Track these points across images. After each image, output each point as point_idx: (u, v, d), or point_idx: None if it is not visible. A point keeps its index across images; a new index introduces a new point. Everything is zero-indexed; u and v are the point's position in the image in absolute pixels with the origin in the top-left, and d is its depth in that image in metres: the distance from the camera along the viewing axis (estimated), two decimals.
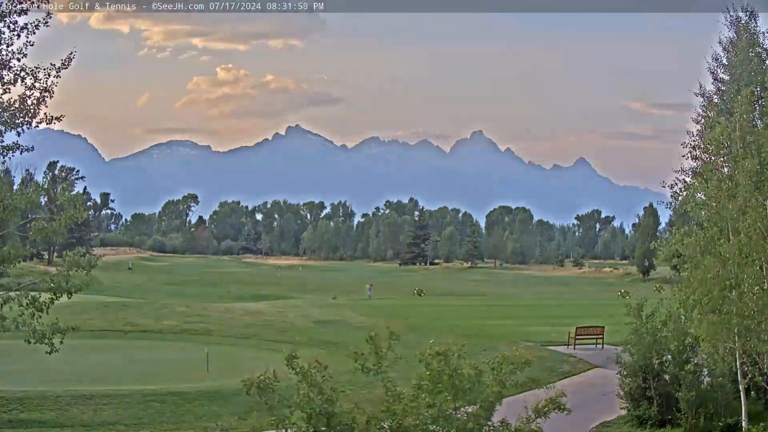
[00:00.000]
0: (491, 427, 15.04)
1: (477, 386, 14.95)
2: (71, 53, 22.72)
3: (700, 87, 26.32)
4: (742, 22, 25.76)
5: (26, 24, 21.86)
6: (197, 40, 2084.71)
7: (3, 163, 24.08)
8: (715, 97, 26.07)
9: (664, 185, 21.83)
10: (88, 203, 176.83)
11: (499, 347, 16.22)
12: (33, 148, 23.37)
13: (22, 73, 21.96)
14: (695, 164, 22.12)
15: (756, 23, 25.78)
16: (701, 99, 26.11)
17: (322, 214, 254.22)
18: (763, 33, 25.69)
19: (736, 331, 19.12)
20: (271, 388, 14.67)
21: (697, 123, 25.24)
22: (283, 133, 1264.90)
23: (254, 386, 14.67)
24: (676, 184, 21.64)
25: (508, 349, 15.65)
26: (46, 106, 22.44)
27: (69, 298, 23.54)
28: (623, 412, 26.00)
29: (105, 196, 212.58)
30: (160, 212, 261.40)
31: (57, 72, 22.27)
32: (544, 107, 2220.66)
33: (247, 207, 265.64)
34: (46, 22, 22.06)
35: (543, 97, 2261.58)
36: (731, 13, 26.09)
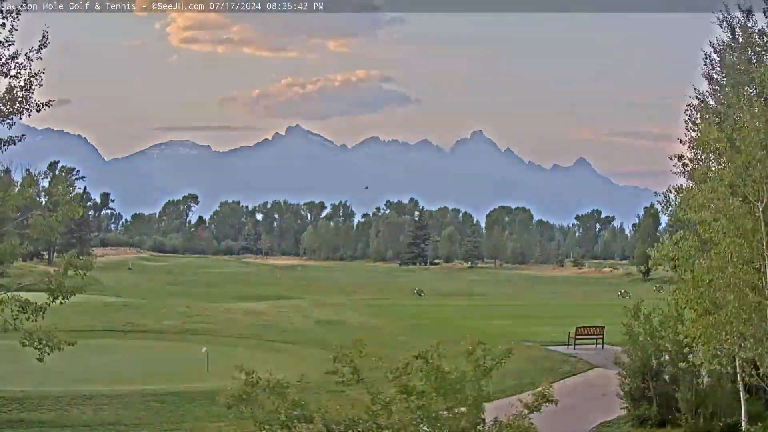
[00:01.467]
0: (484, 426, 15.04)
1: (462, 385, 14.96)
2: (45, 33, 22.62)
3: (695, 89, 26.26)
4: (740, 21, 25.65)
5: (10, 9, 21.78)
6: (222, 34, 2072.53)
7: None
8: (710, 98, 25.97)
9: (657, 194, 21.91)
10: (88, 203, 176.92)
11: (497, 347, 16.12)
12: (24, 137, 23.26)
13: (10, 62, 21.95)
14: (690, 166, 22.12)
15: (753, 22, 25.69)
16: (695, 101, 26.03)
17: (322, 214, 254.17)
18: (759, 30, 25.58)
19: (733, 333, 19.10)
20: (252, 397, 14.73)
21: (693, 124, 25.15)
22: (283, 133, 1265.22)
23: (231, 398, 14.77)
24: (670, 192, 21.61)
25: (474, 342, 15.61)
26: (32, 93, 22.43)
27: (61, 304, 23.56)
28: (623, 412, 25.99)
29: (105, 196, 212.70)
30: (160, 212, 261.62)
31: (37, 53, 22.20)
32: (544, 107, 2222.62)
33: (247, 207, 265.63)
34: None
35: (543, 96, 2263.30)
36: (724, 13, 25.97)
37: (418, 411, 14.25)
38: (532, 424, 15.15)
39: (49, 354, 23.15)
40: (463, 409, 14.90)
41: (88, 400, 26.95)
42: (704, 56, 26.46)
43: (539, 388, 15.94)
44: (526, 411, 15.20)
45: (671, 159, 21.30)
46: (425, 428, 14.49)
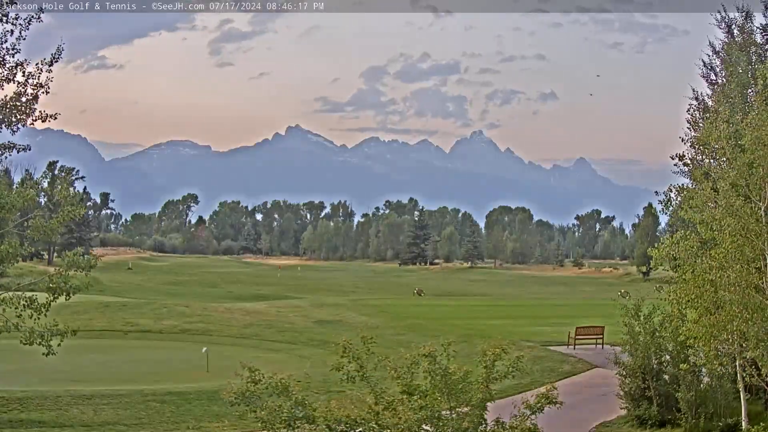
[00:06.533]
0: (486, 426, 15.02)
1: (468, 386, 14.94)
2: (60, 47, 22.66)
3: (693, 91, 26.23)
4: (738, 22, 25.59)
5: (17, 16, 21.83)
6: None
7: (0, 162, 24.06)
8: (708, 98, 25.94)
9: (657, 193, 21.94)
10: (88, 203, 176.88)
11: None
12: (29, 147, 23.31)
13: (15, 69, 21.94)
14: (690, 165, 22.13)
15: (752, 23, 25.63)
16: (694, 101, 26.00)
17: (322, 214, 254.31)
18: (758, 28, 25.54)
19: (733, 332, 19.08)
20: (256, 395, 14.73)
21: (689, 124, 25.15)
22: (282, 133, 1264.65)
23: (234, 395, 14.77)
24: (670, 191, 21.60)
25: (497, 346, 15.57)
26: (37, 102, 22.44)
27: (67, 300, 23.55)
28: (623, 412, 26.00)
29: (105, 196, 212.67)
30: (160, 212, 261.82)
31: (49, 66, 22.21)
32: (544, 107, 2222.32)
33: (247, 207, 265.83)
34: (39, 18, 22.01)
35: (543, 96, 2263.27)
36: (723, 14, 25.90)
37: (421, 411, 14.23)
38: (535, 425, 15.12)
39: (59, 344, 23.06)
40: (466, 409, 14.88)
41: (88, 400, 26.92)
42: (703, 57, 26.43)
43: (542, 389, 15.92)
44: (528, 412, 15.16)
45: (672, 159, 21.34)
46: (428, 428, 14.46)
